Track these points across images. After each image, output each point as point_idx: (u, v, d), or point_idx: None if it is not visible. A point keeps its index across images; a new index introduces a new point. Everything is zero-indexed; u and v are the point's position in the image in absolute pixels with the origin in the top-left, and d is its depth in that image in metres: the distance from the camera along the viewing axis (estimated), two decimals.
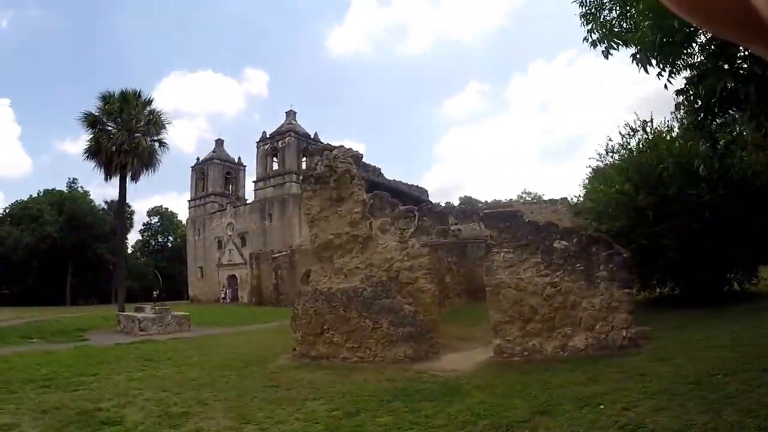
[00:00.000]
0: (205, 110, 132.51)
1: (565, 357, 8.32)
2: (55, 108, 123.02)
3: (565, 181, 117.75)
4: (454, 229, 9.79)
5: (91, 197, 57.73)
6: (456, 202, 60.91)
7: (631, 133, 15.09)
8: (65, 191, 56.11)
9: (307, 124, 46.56)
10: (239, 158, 52.79)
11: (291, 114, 46.00)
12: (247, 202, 46.99)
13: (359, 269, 10.21)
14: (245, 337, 15.88)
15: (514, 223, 9.33)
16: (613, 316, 8.37)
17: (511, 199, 47.50)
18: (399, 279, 10.03)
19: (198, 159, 50.87)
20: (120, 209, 25.27)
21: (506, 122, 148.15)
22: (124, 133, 23.14)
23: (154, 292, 35.57)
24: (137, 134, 23.89)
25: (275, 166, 44.02)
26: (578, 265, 8.69)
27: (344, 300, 9.74)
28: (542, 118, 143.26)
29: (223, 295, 44.75)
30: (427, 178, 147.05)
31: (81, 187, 58.58)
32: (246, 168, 53.39)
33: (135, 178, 24.28)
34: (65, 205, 52.70)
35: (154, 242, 69.20)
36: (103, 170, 23.75)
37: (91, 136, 23.71)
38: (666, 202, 12.30)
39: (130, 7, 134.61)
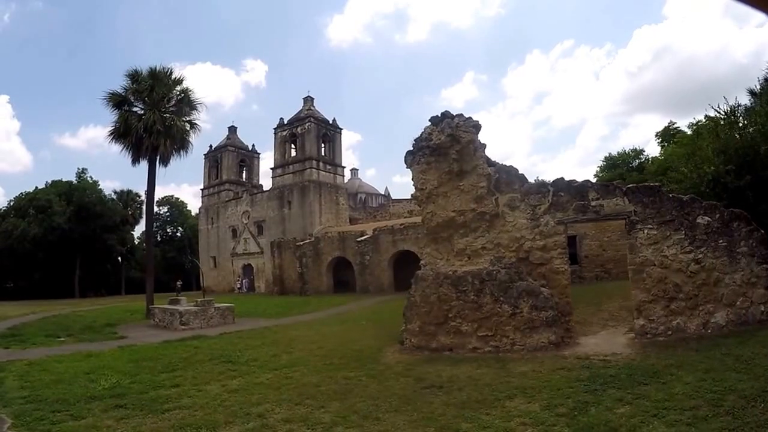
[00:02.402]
0: (204, 101, 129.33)
1: (708, 334, 8.19)
2: (53, 103, 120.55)
3: (561, 169, 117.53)
4: (595, 204, 8.81)
5: (100, 187, 56.14)
6: None
7: (723, 117, 15.24)
8: (74, 182, 54.37)
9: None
10: (253, 145, 51.36)
11: (309, 100, 44.43)
12: (264, 189, 45.65)
13: (486, 250, 9.04)
14: (311, 330, 14.39)
15: (658, 199, 8.81)
16: (752, 292, 8.37)
17: None
18: (529, 260, 8.97)
19: (211, 146, 49.27)
20: (149, 194, 23.70)
21: (503, 112, 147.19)
22: (155, 112, 21.70)
23: (178, 282, 34.30)
24: (167, 114, 22.46)
25: (293, 153, 42.68)
26: (721, 241, 8.58)
27: (476, 284, 8.59)
28: (538, 108, 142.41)
29: (238, 285, 43.65)
30: None
31: (90, 177, 56.98)
32: (260, 156, 52.11)
33: (165, 161, 22.64)
34: (74, 195, 50.99)
35: (161, 233, 67.47)
36: (131, 153, 22.21)
37: (117, 116, 22.19)
38: (764, 182, 12.15)
39: (128, 1, 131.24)
